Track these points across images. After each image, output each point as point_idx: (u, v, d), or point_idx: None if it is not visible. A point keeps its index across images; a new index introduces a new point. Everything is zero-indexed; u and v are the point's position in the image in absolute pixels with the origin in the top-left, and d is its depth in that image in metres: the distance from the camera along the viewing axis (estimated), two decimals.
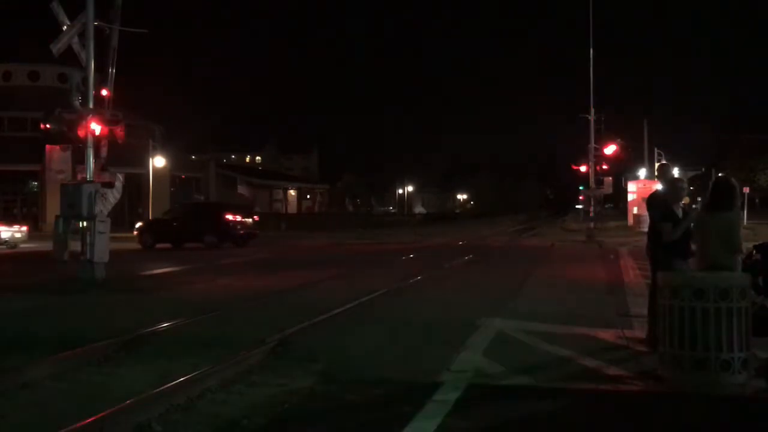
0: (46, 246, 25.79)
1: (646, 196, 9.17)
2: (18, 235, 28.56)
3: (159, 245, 27.58)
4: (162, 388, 5.70)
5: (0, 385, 5.96)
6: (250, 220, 29.83)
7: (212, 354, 7.17)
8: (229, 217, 28.37)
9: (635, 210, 40.67)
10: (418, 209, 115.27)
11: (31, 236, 30.40)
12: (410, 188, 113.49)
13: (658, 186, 8.96)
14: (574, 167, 38.29)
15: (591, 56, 33.40)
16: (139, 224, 30.09)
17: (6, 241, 27.64)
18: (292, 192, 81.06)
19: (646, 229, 8.67)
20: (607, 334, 8.26)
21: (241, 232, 28.38)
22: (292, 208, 78.69)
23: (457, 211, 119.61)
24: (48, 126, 15.25)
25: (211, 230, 27.35)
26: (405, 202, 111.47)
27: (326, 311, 10.04)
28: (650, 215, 7.95)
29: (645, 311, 8.18)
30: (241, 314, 10.57)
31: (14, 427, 5.18)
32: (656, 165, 39.07)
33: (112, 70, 15.19)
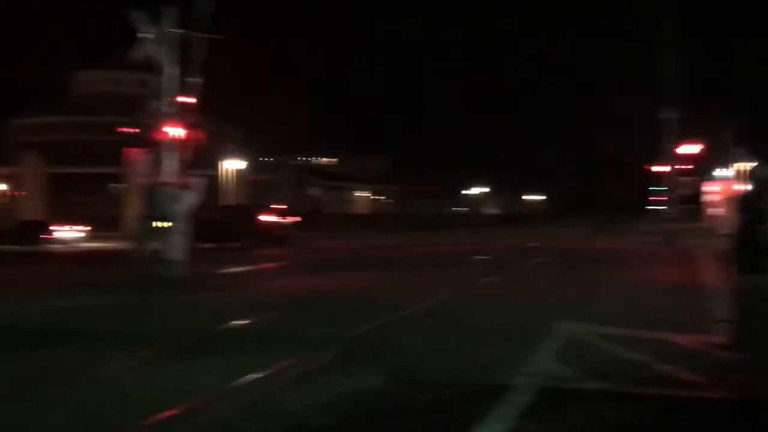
0: (108, 245, 27.57)
1: (727, 196, 8.85)
2: (78, 234, 30.41)
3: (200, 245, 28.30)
4: (235, 384, 5.86)
5: (86, 377, 6.28)
6: (287, 220, 30.64)
7: (284, 352, 7.29)
8: (265, 218, 29.22)
9: (715, 211, 39.18)
10: (490, 210, 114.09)
11: (108, 236, 31.91)
12: (482, 189, 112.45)
13: (745, 187, 8.61)
14: (651, 167, 37.19)
15: (671, 55, 32.34)
16: None
17: (64, 241, 29.46)
18: (363, 193, 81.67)
19: (727, 231, 8.35)
20: (686, 339, 7.99)
21: (278, 233, 29.11)
22: (363, 209, 79.26)
23: (530, 212, 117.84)
24: (131, 130, 15.89)
25: (248, 231, 28.08)
26: (477, 203, 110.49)
27: (395, 312, 10.07)
28: (739, 217, 7.64)
29: (726, 316, 7.88)
30: (310, 313, 10.72)
31: (91, 416, 5.40)
32: (741, 165, 37.57)
33: (195, 78, 15.62)
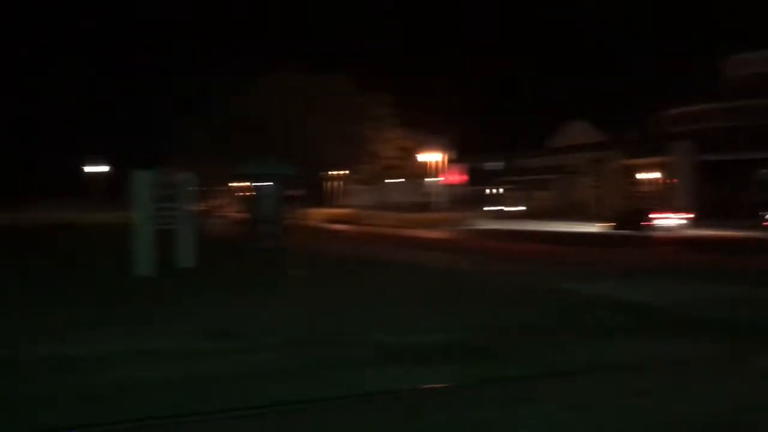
0: (717, 233, 26.56)
1: None
2: (679, 222, 32.17)
3: None
4: None
5: (731, 367, 6.90)
6: None
7: None
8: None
9: None
10: None
11: (713, 224, 32.06)
12: None
13: None
14: None
15: None
16: None
17: (664, 227, 31.18)
18: None
19: None
20: None
21: None
22: None
23: None
24: None
25: None
26: None
27: None
28: None
29: None
30: None
31: (733, 406, 5.82)
32: None
33: None
